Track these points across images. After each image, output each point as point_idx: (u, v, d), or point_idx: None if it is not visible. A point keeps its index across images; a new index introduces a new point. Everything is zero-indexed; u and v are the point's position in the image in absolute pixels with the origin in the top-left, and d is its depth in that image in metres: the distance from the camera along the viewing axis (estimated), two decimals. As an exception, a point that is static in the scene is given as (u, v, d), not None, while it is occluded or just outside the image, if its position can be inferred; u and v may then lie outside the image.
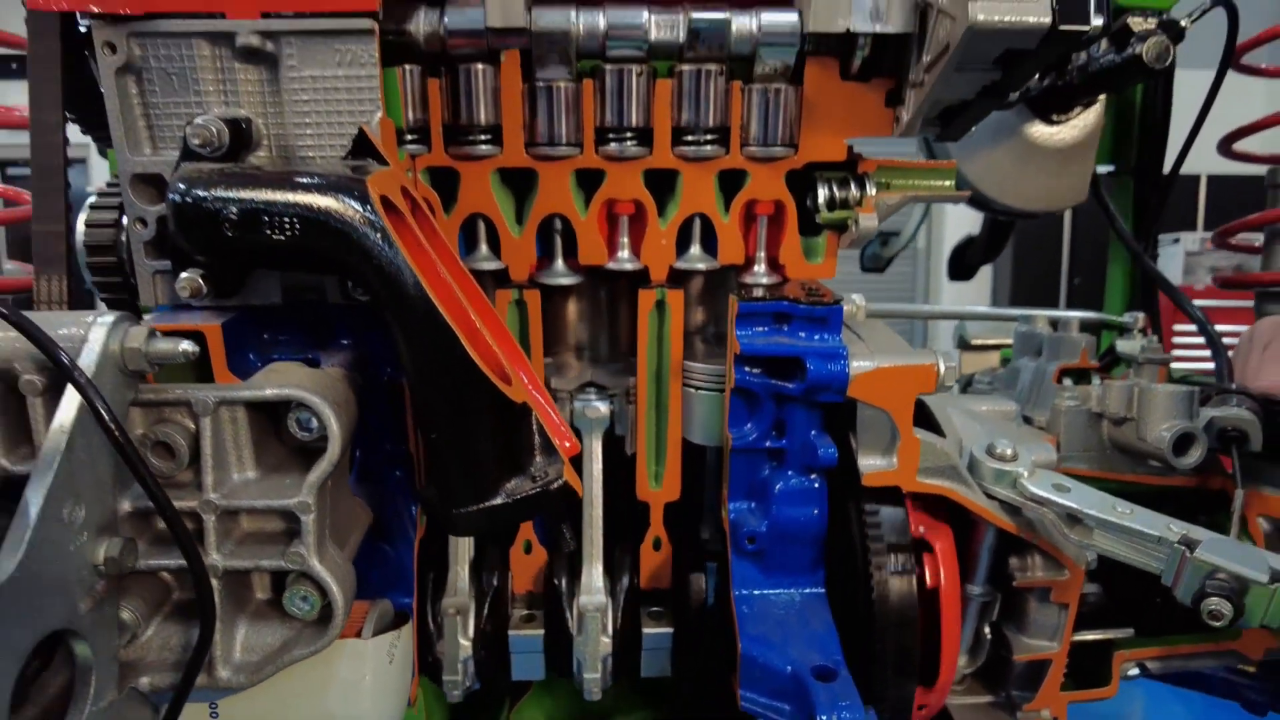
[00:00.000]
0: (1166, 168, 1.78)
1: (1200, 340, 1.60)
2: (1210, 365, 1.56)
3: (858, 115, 1.05)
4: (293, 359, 0.96)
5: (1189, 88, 1.70)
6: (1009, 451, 1.08)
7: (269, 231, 0.79)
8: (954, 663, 1.09)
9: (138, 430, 0.82)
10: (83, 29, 0.91)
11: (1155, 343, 1.62)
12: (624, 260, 1.10)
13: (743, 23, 0.99)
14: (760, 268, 1.12)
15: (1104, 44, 1.42)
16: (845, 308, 1.04)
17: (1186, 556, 0.95)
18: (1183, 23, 1.40)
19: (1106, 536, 1.01)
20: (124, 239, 0.99)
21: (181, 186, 0.80)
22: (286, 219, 0.78)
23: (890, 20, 0.96)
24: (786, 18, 0.99)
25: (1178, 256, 6.07)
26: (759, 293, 1.07)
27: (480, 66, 1.00)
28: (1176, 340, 3.61)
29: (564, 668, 1.17)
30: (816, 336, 1.02)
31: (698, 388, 1.12)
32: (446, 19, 0.97)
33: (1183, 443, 1.18)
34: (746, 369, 1.03)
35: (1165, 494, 1.29)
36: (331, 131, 0.92)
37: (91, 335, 0.75)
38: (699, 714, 1.21)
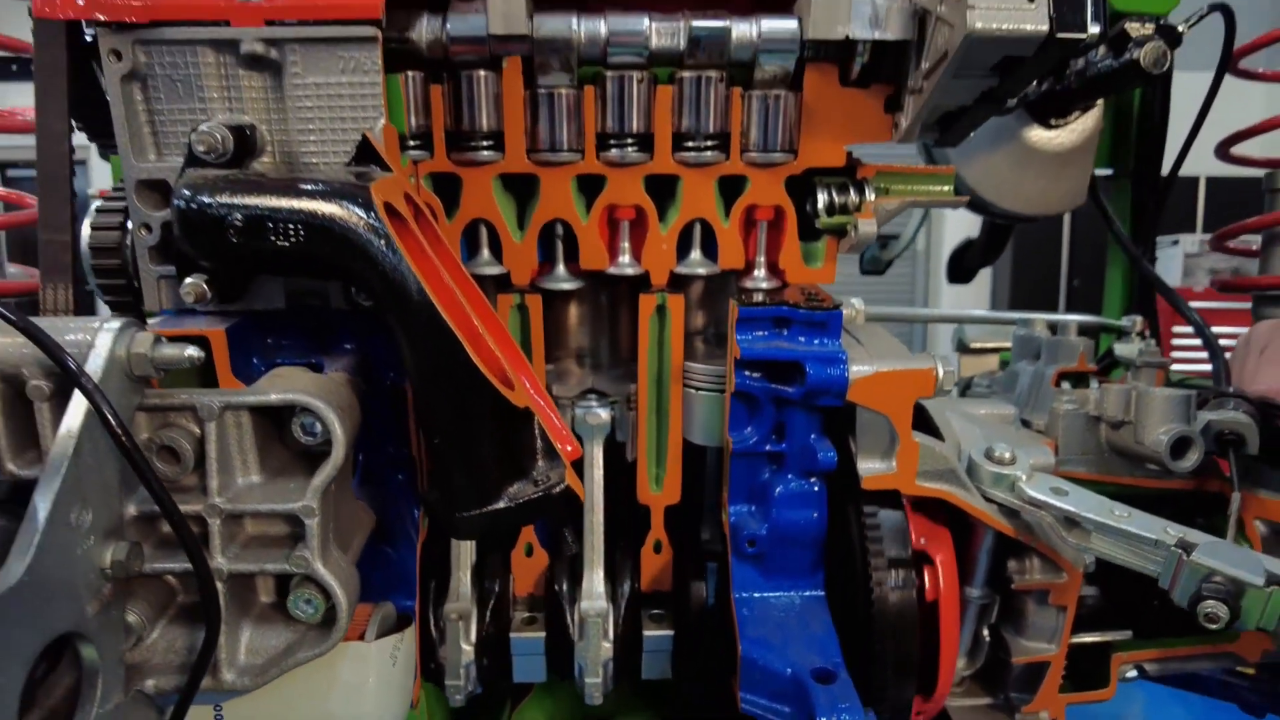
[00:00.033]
0: (1165, 171, 1.79)
1: (1199, 342, 1.61)
2: (1208, 367, 1.56)
3: (857, 121, 1.06)
4: (296, 364, 0.97)
5: (1188, 89, 1.70)
6: (1007, 455, 1.09)
7: (273, 238, 0.80)
8: (951, 674, 1.09)
9: (143, 435, 0.82)
10: (88, 37, 0.92)
11: (1153, 346, 1.62)
12: (625, 265, 1.10)
13: (743, 30, 1.00)
14: (760, 272, 1.13)
15: (1102, 49, 1.43)
16: (844, 312, 1.05)
17: (1183, 560, 0.96)
18: (1180, 28, 1.41)
19: (1104, 539, 1.02)
20: (129, 244, 1.00)
21: (186, 193, 0.81)
22: (291, 225, 0.79)
23: (889, 27, 0.97)
24: (786, 25, 1.00)
25: (1177, 258, 6.07)
26: (759, 297, 1.08)
27: (482, 73, 1.01)
28: (1175, 342, 3.61)
29: (565, 670, 1.18)
30: (816, 341, 1.03)
31: (698, 388, 1.12)
32: (449, 26, 0.98)
33: (1180, 446, 1.19)
34: (747, 373, 1.04)
35: (1163, 497, 1.29)
36: (335, 138, 0.93)
37: (98, 341, 0.76)
38: (699, 716, 1.22)
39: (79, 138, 1.08)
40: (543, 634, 1.17)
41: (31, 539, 0.67)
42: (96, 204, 1.03)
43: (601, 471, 1.14)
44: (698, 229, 1.10)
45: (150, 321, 0.99)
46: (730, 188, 1.09)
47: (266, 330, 1.01)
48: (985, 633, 1.21)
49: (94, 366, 0.74)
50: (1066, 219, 7.04)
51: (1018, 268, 7.22)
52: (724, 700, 1.09)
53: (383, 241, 0.78)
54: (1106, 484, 1.30)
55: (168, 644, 0.84)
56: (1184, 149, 1.76)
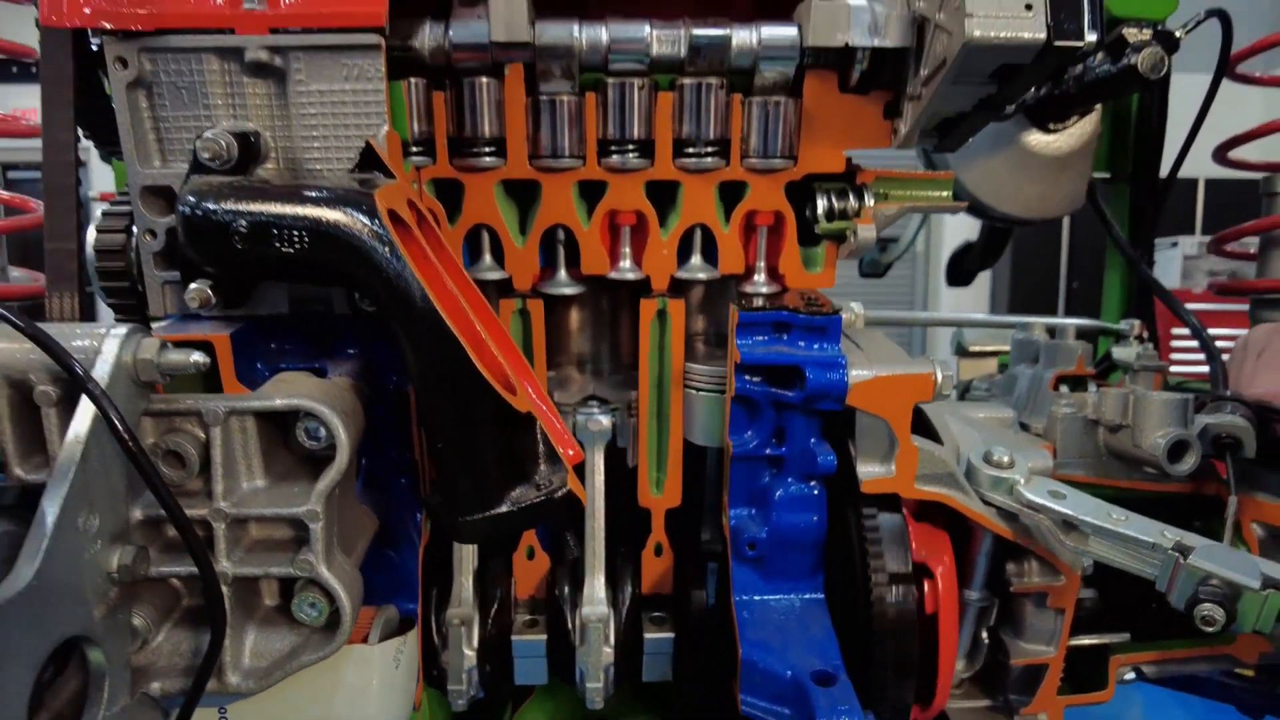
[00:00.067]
0: (1163, 174, 1.80)
1: (1198, 344, 1.62)
2: (1207, 370, 1.57)
3: (856, 127, 1.07)
4: (300, 369, 0.97)
5: (1186, 91, 1.71)
6: (1006, 458, 1.10)
7: (278, 244, 0.80)
8: (949, 686, 1.10)
9: (149, 439, 0.83)
10: (94, 46, 0.93)
11: (1151, 350, 1.63)
12: (626, 270, 1.11)
13: (743, 37, 1.01)
14: (760, 277, 1.14)
15: (1100, 54, 1.44)
16: (844, 316, 1.06)
17: (1180, 563, 0.96)
18: (1177, 33, 1.42)
19: (1102, 543, 1.03)
20: (134, 249, 1.01)
21: (191, 199, 0.82)
22: (296, 232, 0.80)
23: (888, 35, 0.98)
24: (786, 32, 1.01)
25: (1175, 260, 6.08)
26: (759, 302, 1.08)
27: (484, 80, 1.02)
28: (1174, 344, 3.62)
29: (566, 672, 1.18)
30: (816, 346, 1.04)
31: (699, 389, 1.13)
32: (451, 33, 0.99)
33: (1177, 450, 1.20)
34: (747, 377, 1.05)
35: (1161, 500, 1.30)
36: (338, 144, 0.94)
37: (105, 347, 0.76)
38: (700, 717, 1.22)
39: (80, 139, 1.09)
40: (544, 637, 1.18)
41: (40, 543, 0.67)
42: (103, 208, 1.04)
43: (603, 478, 1.14)
44: (698, 234, 1.11)
45: (155, 326, 1.00)
46: (730, 193, 1.10)
47: (270, 335, 1.02)
48: (984, 635, 1.22)
49: (101, 372, 0.75)
50: (1066, 222, 7.04)
51: (1017, 270, 7.23)
52: (724, 702, 1.10)
53: (387, 248, 0.79)
54: (1104, 487, 1.30)
55: (173, 647, 0.85)
56: (1181, 154, 1.77)
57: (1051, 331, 1.75)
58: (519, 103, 1.03)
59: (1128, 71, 1.39)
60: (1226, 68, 1.69)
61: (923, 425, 1.18)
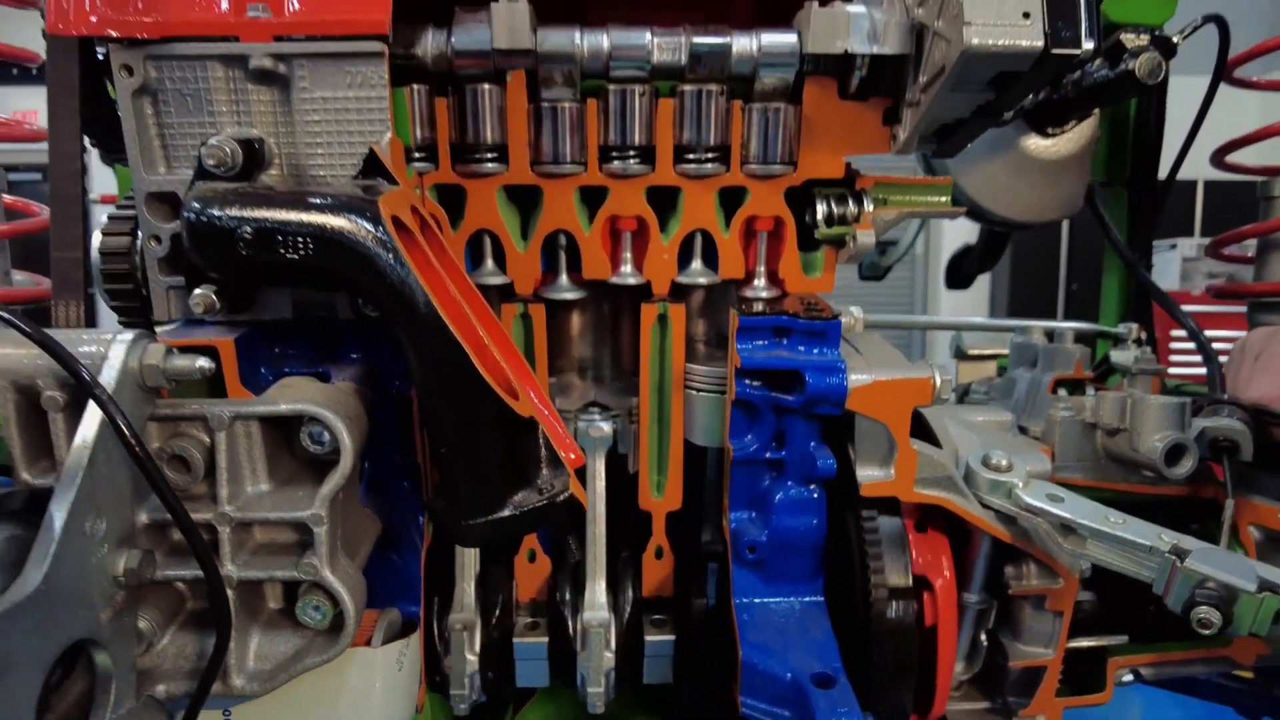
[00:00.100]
0: (1162, 177, 1.80)
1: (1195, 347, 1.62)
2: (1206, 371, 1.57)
3: (856, 133, 1.08)
4: (304, 373, 0.98)
5: (1184, 93, 1.71)
6: (1004, 462, 1.10)
7: (283, 250, 0.81)
8: (946, 695, 1.11)
9: (154, 444, 0.84)
10: (100, 55, 0.93)
11: (1149, 353, 1.64)
12: (627, 275, 1.12)
13: (743, 44, 1.01)
14: (760, 282, 1.14)
15: (1098, 60, 1.44)
16: (843, 320, 1.06)
17: (1177, 566, 0.97)
18: (1174, 39, 1.43)
19: (1099, 546, 1.04)
20: (138, 254, 1.01)
21: (196, 205, 0.82)
22: (300, 238, 0.80)
23: (887, 42, 0.99)
24: (786, 39, 1.02)
25: (1174, 262, 6.08)
26: (759, 307, 1.09)
27: (487, 86, 1.03)
28: (1173, 346, 3.62)
29: (567, 675, 1.19)
30: (815, 350, 1.05)
31: (699, 389, 1.14)
32: (454, 40, 0.99)
33: (1175, 453, 1.20)
34: (747, 382, 1.06)
35: (1158, 503, 1.31)
36: (342, 151, 0.94)
37: (111, 353, 0.77)
38: (700, 719, 1.23)
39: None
40: (545, 639, 1.18)
41: (48, 548, 0.68)
42: (108, 212, 1.05)
43: (604, 484, 1.15)
44: (698, 239, 1.12)
45: (159, 330, 1.00)
46: (731, 199, 1.10)
47: (274, 340, 1.02)
48: (983, 637, 1.23)
49: (108, 378, 0.76)
50: (1065, 224, 7.04)
51: (1016, 273, 7.23)
52: (724, 704, 1.10)
53: (390, 255, 0.80)
54: (1102, 490, 1.31)
55: (178, 650, 0.86)
56: (1179, 158, 1.78)
57: (1050, 335, 1.75)
58: (521, 109, 1.03)
59: (1125, 77, 1.40)
60: (1224, 72, 1.70)
61: (922, 429, 1.19)
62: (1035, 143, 1.69)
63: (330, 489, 0.84)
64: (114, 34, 0.88)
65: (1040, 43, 0.85)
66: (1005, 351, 1.99)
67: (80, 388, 0.74)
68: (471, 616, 1.14)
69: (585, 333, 1.24)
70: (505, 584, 1.20)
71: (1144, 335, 1.74)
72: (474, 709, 1.20)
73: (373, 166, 0.92)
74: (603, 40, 1.00)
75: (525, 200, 1.12)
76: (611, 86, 1.04)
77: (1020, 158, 1.69)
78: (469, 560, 1.15)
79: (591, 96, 1.04)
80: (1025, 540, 1.10)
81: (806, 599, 1.12)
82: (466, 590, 1.14)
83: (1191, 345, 1.62)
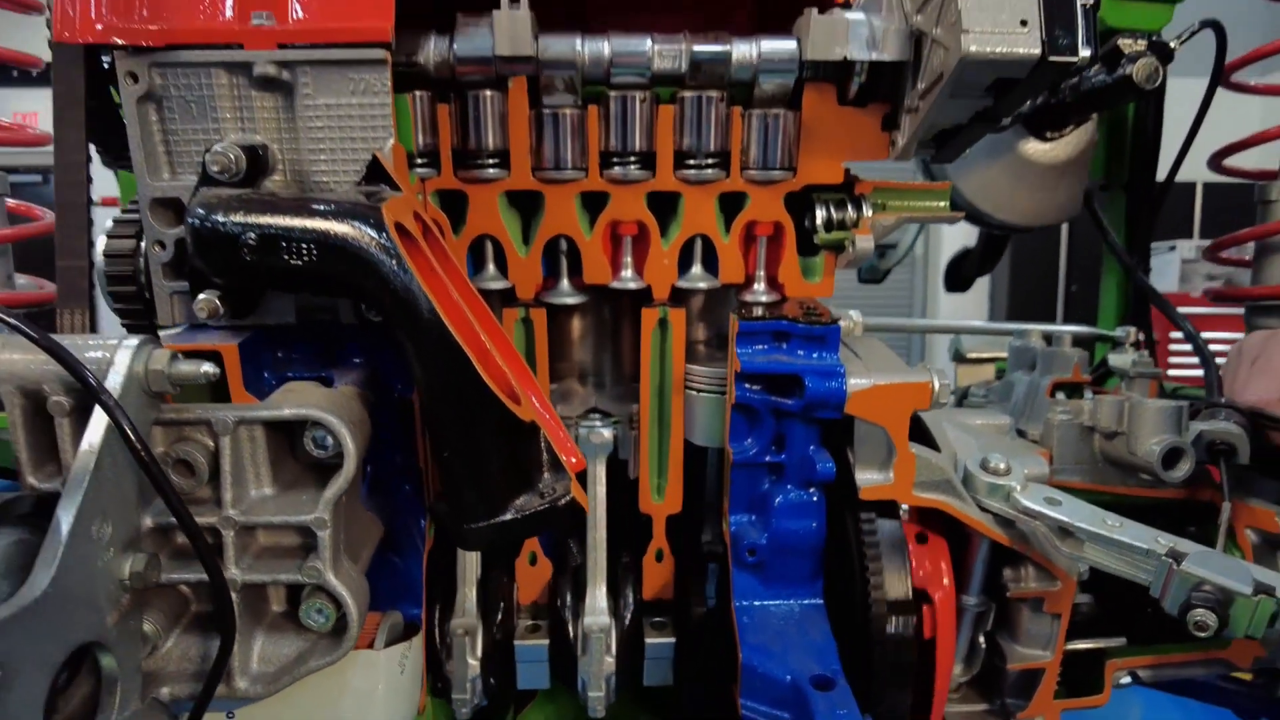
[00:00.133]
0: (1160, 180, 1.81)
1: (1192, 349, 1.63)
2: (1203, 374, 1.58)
3: (855, 139, 1.08)
4: (307, 378, 0.99)
5: (1182, 95, 1.72)
6: (1002, 465, 1.11)
7: (286, 256, 0.81)
8: (944, 703, 1.11)
9: (159, 448, 0.84)
10: (105, 62, 0.94)
11: (1146, 356, 1.64)
12: (627, 279, 1.13)
13: (743, 51, 1.02)
14: (760, 286, 1.15)
15: (1096, 65, 1.45)
16: (842, 324, 1.07)
17: (1174, 569, 0.98)
18: (1172, 44, 1.44)
19: (1097, 549, 1.04)
20: (142, 258, 1.02)
21: (200, 211, 0.83)
22: (304, 244, 0.81)
23: (886, 49, 0.99)
24: (785, 45, 1.02)
25: (1174, 264, 6.09)
26: (759, 311, 1.10)
27: (488, 93, 1.03)
28: (1172, 348, 3.62)
29: (568, 677, 1.20)
30: (815, 355, 1.05)
31: (700, 390, 1.15)
32: (456, 47, 1.00)
33: (1172, 457, 1.21)
34: (747, 386, 1.06)
35: (1156, 506, 1.31)
36: (345, 157, 0.95)
37: (117, 358, 0.78)
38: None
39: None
40: (546, 642, 1.19)
41: (55, 552, 0.69)
42: (113, 215, 1.05)
43: (604, 489, 1.16)
44: (699, 244, 1.13)
45: (162, 335, 1.01)
46: (730, 204, 1.11)
47: (277, 345, 1.03)
48: (981, 640, 1.23)
49: (114, 383, 0.76)
50: (1064, 227, 7.04)
51: (1015, 276, 7.23)
52: (724, 706, 1.11)
53: (394, 261, 0.80)
54: (1100, 493, 1.32)
55: (182, 652, 0.86)
56: (1176, 163, 1.79)
57: (1048, 338, 1.76)
58: (522, 115, 1.04)
59: (1123, 82, 1.41)
60: (1221, 77, 1.71)
61: (921, 432, 1.19)
62: (1034, 147, 1.70)
63: (334, 493, 0.84)
64: (120, 41, 0.89)
65: (1038, 50, 0.86)
66: (1004, 355, 2.00)
67: (86, 393, 0.74)
68: (473, 621, 1.15)
69: (586, 338, 1.25)
70: (506, 587, 1.21)
71: (1142, 338, 1.75)
72: (474, 711, 1.21)
73: (376, 172, 0.93)
74: (604, 47, 1.01)
75: (526, 205, 1.12)
76: (612, 93, 1.04)
77: (1019, 162, 1.70)
78: (470, 565, 1.15)
79: (592, 102, 1.05)
80: (1023, 543, 1.11)
81: (806, 601, 1.12)
82: (468, 595, 1.15)
83: (1189, 347, 1.62)
